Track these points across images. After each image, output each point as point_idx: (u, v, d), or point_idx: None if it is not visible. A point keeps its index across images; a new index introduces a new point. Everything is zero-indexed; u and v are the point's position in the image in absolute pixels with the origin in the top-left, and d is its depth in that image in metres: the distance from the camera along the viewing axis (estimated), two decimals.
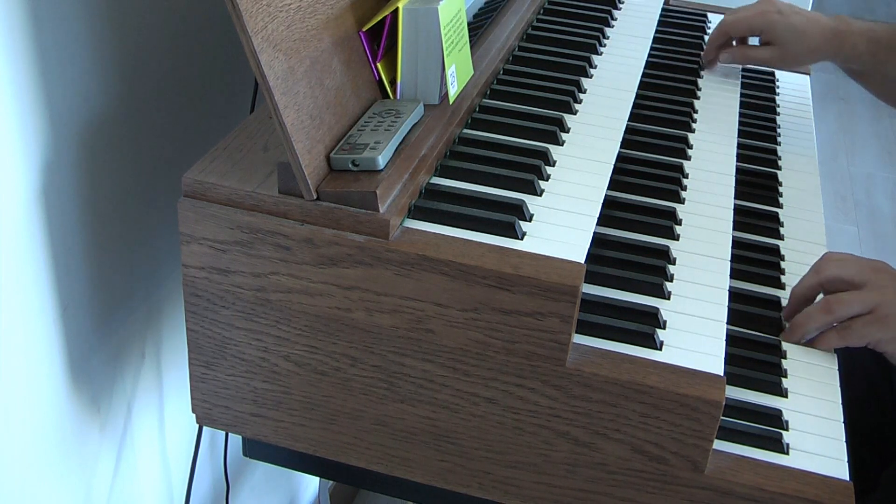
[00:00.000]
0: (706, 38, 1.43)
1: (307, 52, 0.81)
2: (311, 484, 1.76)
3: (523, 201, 0.86)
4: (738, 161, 1.14)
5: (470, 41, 0.97)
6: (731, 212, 1.02)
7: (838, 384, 0.92)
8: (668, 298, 0.88)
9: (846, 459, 0.83)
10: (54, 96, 0.85)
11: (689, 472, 0.80)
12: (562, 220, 0.86)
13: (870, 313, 0.93)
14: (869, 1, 5.09)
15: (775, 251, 1.08)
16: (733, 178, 1.08)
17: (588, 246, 0.83)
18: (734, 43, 1.33)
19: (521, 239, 0.82)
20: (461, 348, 0.80)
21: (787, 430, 0.85)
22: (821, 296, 0.97)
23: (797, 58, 1.27)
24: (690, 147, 1.12)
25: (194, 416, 0.94)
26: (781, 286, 1.04)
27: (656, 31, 1.34)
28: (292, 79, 0.79)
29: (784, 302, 1.01)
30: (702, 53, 1.34)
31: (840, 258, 0.98)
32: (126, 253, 1.01)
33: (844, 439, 0.85)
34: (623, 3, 1.39)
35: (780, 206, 1.17)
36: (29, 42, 0.80)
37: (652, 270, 0.91)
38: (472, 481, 0.87)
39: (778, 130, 1.33)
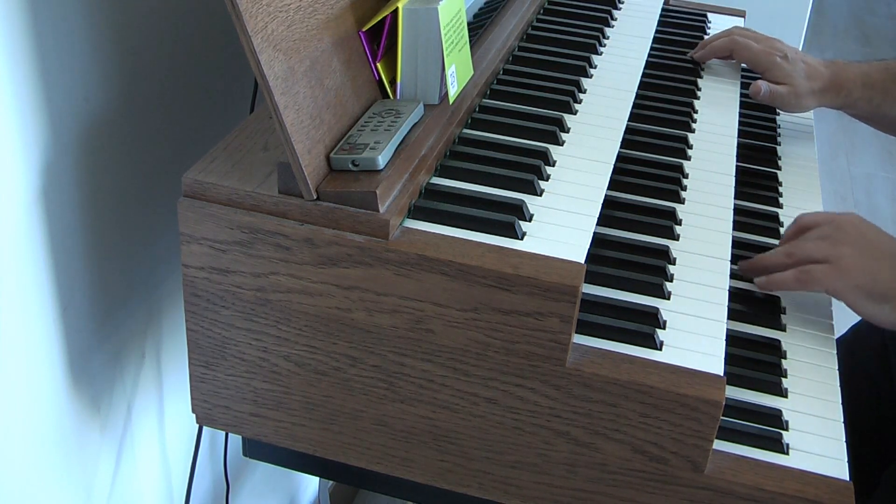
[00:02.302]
0: (706, 38, 1.43)
1: (307, 52, 0.81)
2: (311, 484, 1.76)
3: (523, 201, 0.86)
4: (738, 161, 1.14)
5: (470, 41, 0.97)
6: (731, 212, 1.02)
7: (838, 384, 0.92)
8: (668, 298, 0.88)
9: (846, 459, 0.83)
10: (54, 96, 0.85)
11: (689, 472, 0.80)
12: (562, 220, 0.86)
13: (831, 263, 0.94)
14: (869, 1, 5.09)
15: None
16: (733, 178, 1.08)
17: (588, 246, 0.83)
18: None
19: (521, 239, 0.82)
20: (461, 348, 0.81)
21: (787, 430, 0.85)
22: None
23: (803, 101, 1.27)
24: (690, 147, 1.12)
25: (194, 416, 0.94)
26: None
27: (656, 31, 1.34)
28: (292, 79, 0.79)
29: (784, 302, 1.01)
30: (695, 53, 1.33)
31: (811, 214, 1.00)
32: (126, 253, 1.01)
33: (844, 439, 0.85)
34: (623, 3, 1.39)
35: (780, 206, 1.17)
36: (29, 42, 0.80)
37: (652, 270, 0.91)
38: (472, 481, 0.87)
39: (778, 130, 1.33)
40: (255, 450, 0.98)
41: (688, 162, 1.09)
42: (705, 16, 1.52)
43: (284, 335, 0.85)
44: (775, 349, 0.94)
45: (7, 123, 0.80)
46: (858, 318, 1.34)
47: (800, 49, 1.35)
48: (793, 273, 0.94)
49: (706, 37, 1.41)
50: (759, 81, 1.26)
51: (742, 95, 1.31)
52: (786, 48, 1.28)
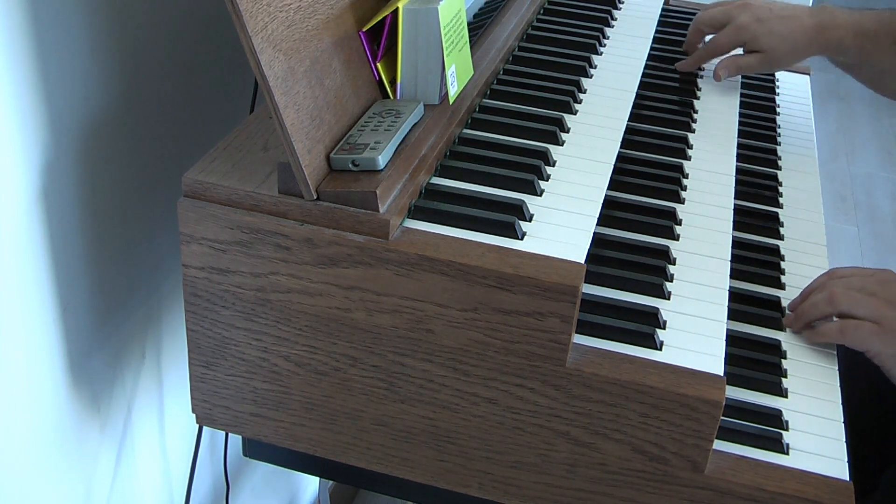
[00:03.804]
0: (705, 38, 1.43)
1: (307, 52, 0.81)
2: (311, 484, 1.76)
3: (523, 201, 0.86)
4: (738, 161, 1.14)
5: (470, 41, 0.97)
6: (731, 212, 1.02)
7: (838, 384, 0.92)
8: (668, 298, 0.88)
9: (846, 459, 0.83)
10: (54, 96, 0.85)
11: (689, 472, 0.80)
12: (562, 220, 0.86)
13: (876, 323, 0.91)
14: (869, 1, 5.09)
15: (775, 251, 1.08)
16: (733, 178, 1.08)
17: (588, 246, 0.83)
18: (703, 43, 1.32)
19: (521, 239, 0.82)
20: (461, 348, 0.81)
21: (787, 430, 0.85)
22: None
23: (784, 60, 1.26)
24: (690, 147, 1.12)
25: (194, 416, 0.94)
26: (781, 286, 1.04)
27: (656, 31, 1.34)
28: (292, 79, 0.79)
29: (784, 302, 1.01)
30: (680, 63, 1.31)
31: (847, 272, 0.96)
32: (126, 253, 1.01)
33: (844, 439, 0.85)
34: (623, 3, 1.39)
35: (780, 206, 1.17)
36: (29, 42, 0.80)
37: (652, 270, 0.91)
38: (472, 481, 0.87)
39: (778, 130, 1.33)
40: (255, 450, 0.98)
41: (688, 162, 1.09)
42: None
43: (284, 335, 0.85)
44: (775, 349, 0.94)
45: (7, 123, 0.80)
46: None
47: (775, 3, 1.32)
48: (838, 326, 0.92)
49: (705, 38, 1.41)
50: (716, 68, 1.26)
51: (742, 95, 1.31)
52: (759, 11, 1.24)
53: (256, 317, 0.85)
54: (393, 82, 0.92)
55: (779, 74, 1.46)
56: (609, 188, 0.94)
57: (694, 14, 1.51)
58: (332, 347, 0.84)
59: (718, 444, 0.82)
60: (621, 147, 1.02)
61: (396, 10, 0.88)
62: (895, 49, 1.21)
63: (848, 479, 0.80)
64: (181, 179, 0.82)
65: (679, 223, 0.99)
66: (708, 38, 1.31)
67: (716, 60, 1.31)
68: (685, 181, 1.06)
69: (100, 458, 1.03)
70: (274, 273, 0.83)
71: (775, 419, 0.85)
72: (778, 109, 1.38)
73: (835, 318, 0.95)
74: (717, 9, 1.30)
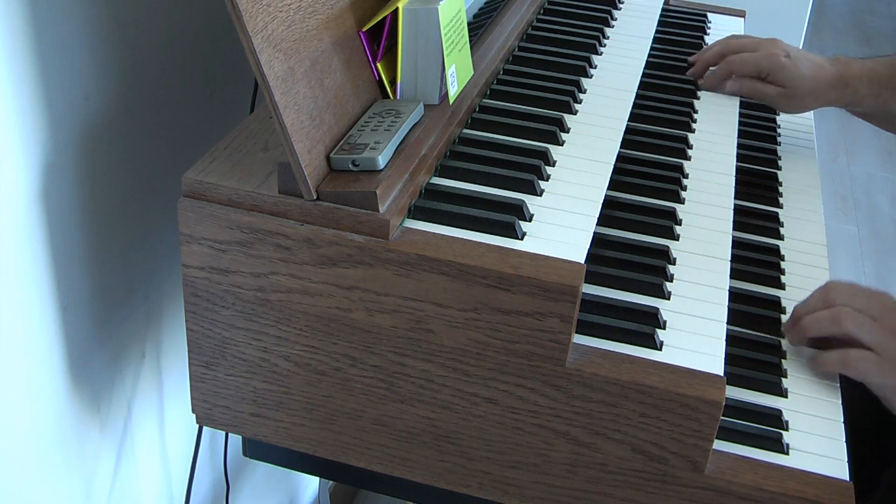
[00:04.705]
0: (706, 38, 1.43)
1: (307, 52, 0.81)
2: (311, 484, 1.76)
3: (523, 201, 0.86)
4: (738, 161, 1.14)
5: (470, 41, 0.97)
6: (731, 212, 1.02)
7: (838, 384, 0.92)
8: (668, 298, 0.88)
9: (846, 459, 0.83)
10: (54, 96, 0.85)
11: (689, 472, 0.80)
12: (562, 220, 0.86)
13: (877, 353, 0.89)
14: (869, 1, 5.09)
15: (775, 251, 1.08)
16: (733, 178, 1.08)
17: (588, 246, 0.83)
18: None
19: (521, 239, 0.82)
20: (461, 348, 0.81)
21: (787, 430, 0.85)
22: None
23: (803, 102, 1.24)
24: (690, 147, 1.12)
25: (194, 416, 0.94)
26: (781, 286, 1.04)
27: (656, 31, 1.34)
28: (292, 79, 0.79)
29: (784, 302, 1.01)
30: (691, 67, 1.30)
31: (847, 289, 0.94)
32: (126, 253, 1.01)
33: (844, 439, 0.85)
34: (623, 3, 1.39)
35: (780, 206, 1.17)
36: (29, 42, 0.80)
37: (652, 270, 0.91)
38: (472, 481, 0.87)
39: (778, 130, 1.33)
40: (255, 450, 0.98)
41: (688, 162, 1.09)
42: (705, 16, 1.52)
43: (284, 335, 0.85)
44: (775, 349, 0.94)
45: (7, 123, 0.80)
46: None
47: (800, 49, 1.33)
48: (840, 357, 0.90)
49: (705, 38, 1.41)
50: (728, 81, 1.25)
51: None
52: (788, 48, 1.25)
53: (256, 317, 0.85)
54: (393, 82, 0.92)
55: None
56: (609, 188, 0.94)
57: (694, 14, 1.52)
58: (332, 347, 0.84)
59: (718, 444, 0.82)
60: (621, 147, 1.02)
61: (396, 10, 0.88)
62: None
63: (848, 479, 0.80)
64: (181, 179, 0.82)
65: (679, 223, 0.99)
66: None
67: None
68: (685, 181, 1.06)
69: (100, 458, 1.03)
70: (274, 273, 0.83)
71: (775, 419, 0.85)
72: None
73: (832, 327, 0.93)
74: (747, 38, 1.29)
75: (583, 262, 0.80)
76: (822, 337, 0.92)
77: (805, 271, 1.06)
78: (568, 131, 1.01)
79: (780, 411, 0.86)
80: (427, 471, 0.87)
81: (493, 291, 0.78)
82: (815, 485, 0.79)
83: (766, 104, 1.28)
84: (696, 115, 1.20)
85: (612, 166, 0.97)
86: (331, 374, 0.86)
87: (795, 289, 1.03)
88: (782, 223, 1.14)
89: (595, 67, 1.17)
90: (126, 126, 0.96)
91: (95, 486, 1.03)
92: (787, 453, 0.83)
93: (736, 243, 1.01)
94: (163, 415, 1.15)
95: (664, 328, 0.84)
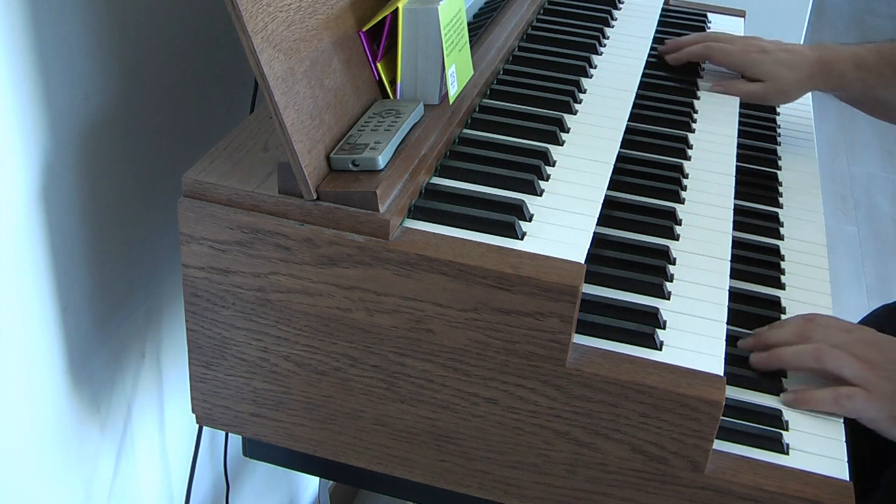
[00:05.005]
0: (679, 38, 1.42)
1: (307, 52, 0.81)
2: (311, 484, 1.76)
3: (523, 201, 0.86)
4: (738, 161, 1.14)
5: (470, 41, 0.97)
6: (731, 212, 1.02)
7: None
8: (668, 298, 0.88)
9: (846, 459, 0.83)
10: (54, 96, 0.85)
11: (689, 472, 0.80)
12: (562, 220, 0.86)
13: (864, 389, 0.88)
14: (869, 1, 5.09)
15: (775, 251, 1.08)
16: (733, 178, 1.08)
17: (588, 246, 0.83)
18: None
19: (521, 239, 0.82)
20: (461, 348, 0.81)
21: (787, 430, 0.85)
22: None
23: (786, 92, 1.25)
24: (690, 147, 1.12)
25: (194, 416, 0.94)
26: (781, 286, 1.04)
27: (656, 31, 1.34)
28: (292, 79, 0.79)
29: (784, 302, 1.01)
30: (668, 55, 1.31)
31: (825, 322, 0.93)
32: (126, 253, 1.01)
33: (844, 439, 0.85)
34: (623, 3, 1.39)
35: (780, 206, 1.17)
36: (29, 42, 0.80)
37: (652, 270, 0.91)
38: (472, 481, 0.87)
39: (778, 130, 1.33)
40: (255, 450, 0.98)
41: (688, 162, 1.09)
42: (705, 16, 1.52)
43: (284, 335, 0.85)
44: None
45: (7, 123, 0.80)
46: (859, 318, 1.34)
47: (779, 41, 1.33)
48: (832, 397, 0.88)
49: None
50: (713, 84, 1.26)
51: None
52: (763, 43, 1.26)
53: (256, 317, 0.85)
54: (393, 82, 0.92)
55: None
56: (609, 188, 0.94)
57: (694, 14, 1.52)
58: (331, 347, 0.84)
59: (718, 444, 0.82)
60: (621, 147, 1.02)
61: (396, 10, 0.88)
62: None
63: (848, 479, 0.80)
64: (181, 179, 0.82)
65: (679, 223, 0.99)
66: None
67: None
68: (685, 181, 1.06)
69: (100, 458, 1.03)
70: (274, 273, 0.83)
71: (775, 419, 0.85)
72: (778, 109, 1.38)
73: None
74: (725, 35, 1.31)
75: (583, 262, 0.80)
76: (801, 369, 0.91)
77: (805, 271, 1.06)
78: (568, 131, 1.01)
79: (780, 411, 0.86)
80: (427, 471, 0.87)
81: (493, 291, 0.78)
82: (815, 485, 0.79)
83: (753, 101, 1.29)
84: (696, 115, 1.20)
85: (612, 166, 0.97)
86: (331, 374, 0.86)
87: (795, 289, 1.03)
88: (782, 223, 1.14)
89: (595, 67, 1.17)
90: (126, 126, 0.96)
91: (95, 486, 1.03)
92: (787, 453, 0.83)
93: (736, 243, 1.01)
94: (163, 415, 1.15)
95: (664, 328, 0.84)
